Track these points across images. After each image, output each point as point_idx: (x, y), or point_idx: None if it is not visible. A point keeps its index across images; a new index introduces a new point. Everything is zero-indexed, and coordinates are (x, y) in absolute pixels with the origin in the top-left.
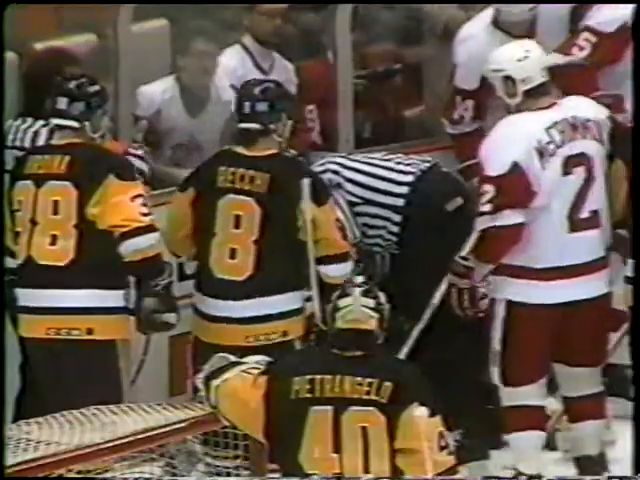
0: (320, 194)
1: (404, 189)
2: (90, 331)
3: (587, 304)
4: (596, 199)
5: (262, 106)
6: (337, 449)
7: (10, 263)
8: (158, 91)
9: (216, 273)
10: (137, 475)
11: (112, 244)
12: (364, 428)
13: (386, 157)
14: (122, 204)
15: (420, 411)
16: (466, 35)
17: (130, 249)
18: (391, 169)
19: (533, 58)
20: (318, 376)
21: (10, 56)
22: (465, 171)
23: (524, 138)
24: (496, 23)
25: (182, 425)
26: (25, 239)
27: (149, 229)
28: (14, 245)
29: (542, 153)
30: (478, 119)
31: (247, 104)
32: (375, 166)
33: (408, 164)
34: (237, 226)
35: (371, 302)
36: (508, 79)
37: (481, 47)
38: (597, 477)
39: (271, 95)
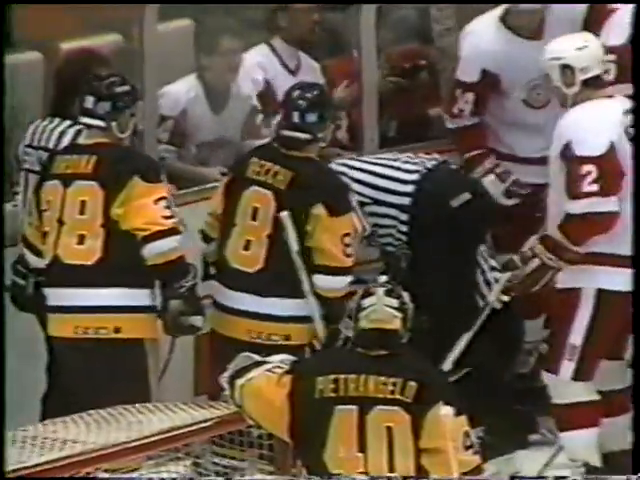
0: (338, 205)
1: (410, 187)
2: (118, 330)
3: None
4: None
5: (312, 117)
6: (362, 448)
7: (37, 263)
8: (182, 91)
9: (231, 263)
10: (164, 475)
11: (138, 243)
12: (389, 428)
13: (393, 157)
14: (145, 207)
15: (446, 410)
16: (471, 29)
17: (153, 252)
18: (397, 168)
19: (592, 48)
20: (342, 375)
21: (35, 55)
22: (467, 163)
23: (615, 120)
24: (504, 21)
25: (207, 424)
26: (53, 239)
27: (171, 232)
28: (42, 245)
29: (628, 135)
30: (477, 114)
31: (296, 114)
32: (381, 165)
33: (414, 162)
34: (254, 218)
35: (395, 302)
36: (567, 68)
37: (483, 41)
38: (596, 477)
39: (321, 105)
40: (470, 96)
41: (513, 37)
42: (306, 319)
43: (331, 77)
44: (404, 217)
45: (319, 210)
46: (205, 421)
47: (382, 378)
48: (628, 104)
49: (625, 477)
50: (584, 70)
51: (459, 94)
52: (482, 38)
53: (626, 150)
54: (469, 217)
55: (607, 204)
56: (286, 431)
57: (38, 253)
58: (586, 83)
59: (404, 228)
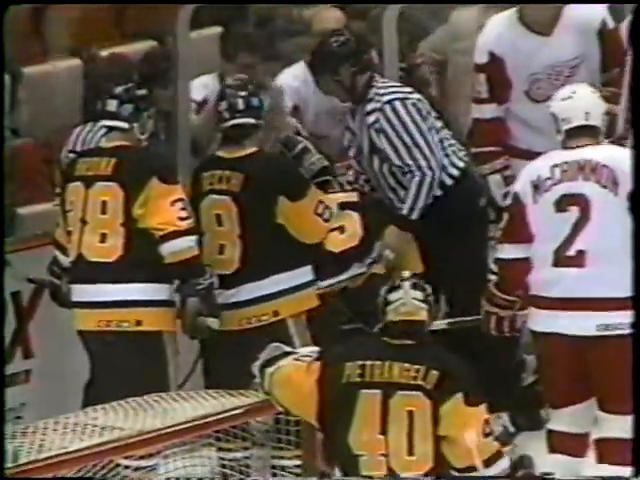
0: (297, 189)
1: (455, 172)
2: (139, 323)
3: (568, 340)
4: (586, 240)
5: (256, 101)
6: (384, 431)
7: (66, 262)
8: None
9: (212, 268)
10: (197, 461)
11: (157, 241)
12: (410, 412)
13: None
14: (162, 208)
15: (465, 400)
16: (491, 19)
17: (168, 251)
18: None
19: (576, 100)
20: (369, 362)
21: (75, 62)
22: (478, 156)
23: (525, 172)
24: (520, 12)
25: (238, 412)
26: (76, 238)
27: (187, 232)
28: (67, 244)
29: (537, 188)
30: (494, 99)
31: (240, 101)
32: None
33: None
34: (220, 224)
35: (420, 294)
36: (554, 116)
37: (494, 26)
38: (595, 477)
39: (258, 92)
40: (482, 77)
41: (521, 27)
42: (291, 290)
43: None
44: (438, 192)
45: (282, 201)
46: (236, 408)
47: (406, 365)
48: (577, 157)
49: (625, 477)
50: (565, 120)
51: (475, 76)
52: (494, 24)
53: (530, 201)
54: (485, 220)
55: (508, 251)
56: (315, 415)
57: (66, 252)
58: (569, 132)
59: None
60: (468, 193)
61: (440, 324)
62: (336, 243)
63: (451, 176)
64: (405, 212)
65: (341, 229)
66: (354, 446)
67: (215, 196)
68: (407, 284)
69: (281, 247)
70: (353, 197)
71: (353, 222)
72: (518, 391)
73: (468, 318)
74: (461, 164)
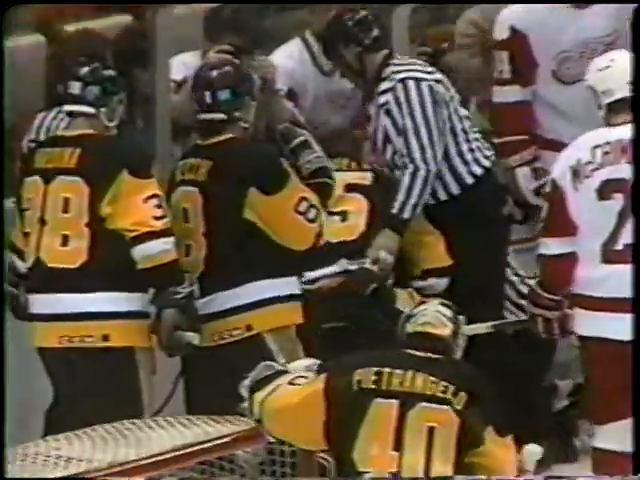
0: (271, 182)
1: (479, 170)
2: (106, 338)
3: (617, 346)
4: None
5: (224, 95)
6: (398, 447)
7: (20, 267)
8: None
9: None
10: None
11: (127, 244)
12: (431, 428)
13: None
14: (134, 206)
15: (496, 432)
16: None
17: (141, 255)
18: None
19: (616, 69)
20: (387, 369)
21: (37, 38)
22: (503, 146)
23: (564, 156)
24: None
25: (224, 441)
26: (34, 240)
27: (162, 233)
28: (24, 247)
29: (577, 173)
30: (517, 81)
31: (207, 93)
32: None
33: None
34: (186, 220)
35: (448, 312)
36: (592, 90)
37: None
38: (595, 477)
39: (233, 81)
40: (504, 55)
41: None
42: (268, 301)
43: None
44: (455, 190)
45: (253, 193)
46: (222, 437)
47: (432, 378)
48: (619, 135)
49: (625, 477)
50: (606, 93)
51: (496, 54)
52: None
53: (569, 188)
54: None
55: (550, 246)
56: (322, 433)
57: (19, 255)
58: (610, 106)
59: (444, 197)
60: (489, 197)
61: (482, 327)
62: (333, 231)
63: (473, 174)
64: (395, 211)
65: (343, 215)
66: (360, 463)
67: (184, 187)
68: (436, 301)
69: (255, 250)
70: (366, 179)
71: (358, 210)
72: (549, 419)
73: (513, 320)
74: (487, 163)
